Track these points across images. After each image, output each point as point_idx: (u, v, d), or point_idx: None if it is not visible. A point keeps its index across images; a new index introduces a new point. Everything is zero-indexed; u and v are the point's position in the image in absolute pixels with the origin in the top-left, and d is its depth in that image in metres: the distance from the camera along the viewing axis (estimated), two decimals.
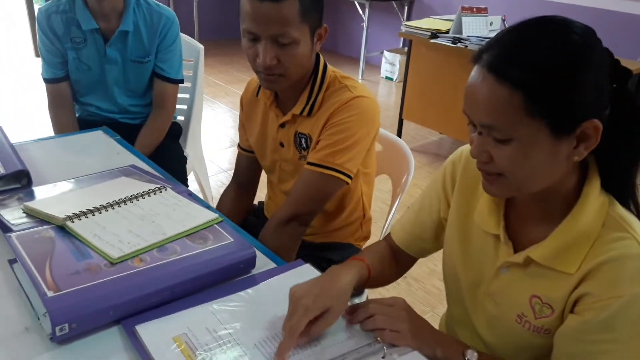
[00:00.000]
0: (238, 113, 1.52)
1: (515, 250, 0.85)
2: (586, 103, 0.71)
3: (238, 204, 1.51)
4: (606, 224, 0.77)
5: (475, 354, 0.84)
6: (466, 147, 0.96)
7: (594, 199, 0.78)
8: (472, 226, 0.93)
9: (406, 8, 5.11)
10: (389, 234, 1.13)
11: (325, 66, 1.27)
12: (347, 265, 0.96)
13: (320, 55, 1.27)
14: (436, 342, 0.85)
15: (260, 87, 1.34)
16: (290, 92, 1.25)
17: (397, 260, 1.10)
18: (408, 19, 5.03)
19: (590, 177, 0.79)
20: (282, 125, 1.30)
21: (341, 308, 0.85)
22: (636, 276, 0.72)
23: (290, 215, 1.25)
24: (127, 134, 1.65)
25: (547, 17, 0.74)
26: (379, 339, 0.83)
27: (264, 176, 1.52)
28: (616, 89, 0.74)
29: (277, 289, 0.93)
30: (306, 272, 0.98)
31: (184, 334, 0.81)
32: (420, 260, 1.14)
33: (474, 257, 0.92)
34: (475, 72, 0.74)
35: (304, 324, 0.79)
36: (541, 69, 0.69)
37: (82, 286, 0.83)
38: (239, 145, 1.52)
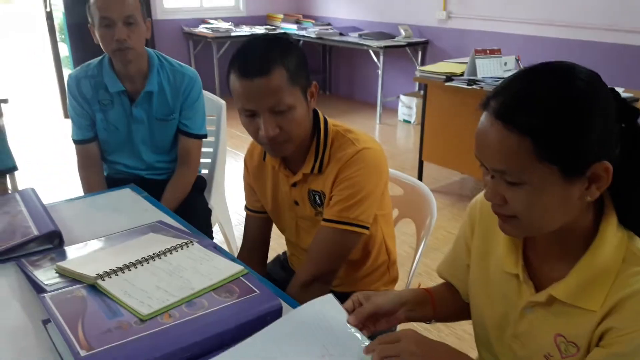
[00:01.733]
0: None
1: (537, 290, 0.85)
2: (594, 146, 0.72)
3: (253, 268, 1.50)
4: (626, 259, 0.76)
5: None
6: (482, 194, 0.98)
7: (612, 235, 0.78)
8: (493, 268, 0.93)
9: (420, 53, 5.22)
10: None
11: (325, 121, 1.30)
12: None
13: (318, 111, 1.30)
14: None
15: (265, 151, 1.36)
16: (297, 152, 1.26)
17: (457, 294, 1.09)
18: (422, 63, 5.12)
19: (607, 214, 0.79)
20: (294, 185, 1.32)
21: (383, 296, 0.96)
22: None
23: (313, 276, 1.25)
24: (153, 189, 1.69)
25: (552, 63, 0.76)
26: None
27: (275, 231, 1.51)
28: (625, 127, 0.76)
29: (296, 324, 0.93)
30: (327, 302, 0.96)
31: None
32: None
33: (497, 299, 0.92)
34: (484, 118, 0.76)
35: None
36: (547, 116, 0.71)
37: (114, 344, 0.84)
38: (246, 207, 1.49)
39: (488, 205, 0.95)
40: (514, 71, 0.80)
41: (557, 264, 0.83)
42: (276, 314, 0.99)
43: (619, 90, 0.79)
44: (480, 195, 0.99)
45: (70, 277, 1.04)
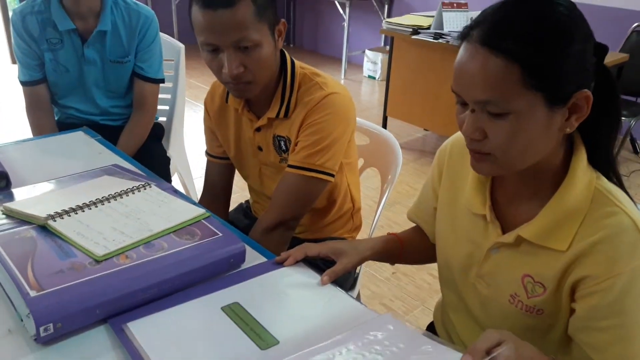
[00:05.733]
0: None
1: (504, 231, 0.85)
2: (578, 73, 0.71)
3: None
4: (595, 199, 0.76)
5: None
6: (453, 137, 0.97)
7: (582, 174, 0.78)
8: (460, 210, 0.93)
9: (386, 7, 5.13)
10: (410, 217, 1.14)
11: (292, 63, 1.24)
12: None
13: (285, 52, 1.24)
14: None
15: (228, 92, 1.29)
16: (262, 95, 1.21)
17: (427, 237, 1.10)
18: (389, 17, 5.04)
19: (577, 152, 0.79)
20: (258, 129, 1.27)
21: (354, 256, 0.99)
22: (632, 250, 0.72)
23: (276, 222, 1.22)
24: (108, 136, 1.61)
25: None
26: None
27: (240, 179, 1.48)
28: (596, 63, 0.76)
29: (268, 287, 0.91)
30: (300, 268, 0.97)
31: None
32: None
33: (463, 240, 0.92)
34: (464, 49, 0.73)
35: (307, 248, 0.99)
36: (535, 41, 0.69)
37: (66, 285, 0.80)
38: (207, 153, 1.44)
39: (458, 148, 0.94)
40: (484, 9, 0.77)
41: (525, 204, 0.83)
42: (239, 256, 0.97)
43: None
44: (450, 139, 0.98)
45: (18, 219, 0.98)
